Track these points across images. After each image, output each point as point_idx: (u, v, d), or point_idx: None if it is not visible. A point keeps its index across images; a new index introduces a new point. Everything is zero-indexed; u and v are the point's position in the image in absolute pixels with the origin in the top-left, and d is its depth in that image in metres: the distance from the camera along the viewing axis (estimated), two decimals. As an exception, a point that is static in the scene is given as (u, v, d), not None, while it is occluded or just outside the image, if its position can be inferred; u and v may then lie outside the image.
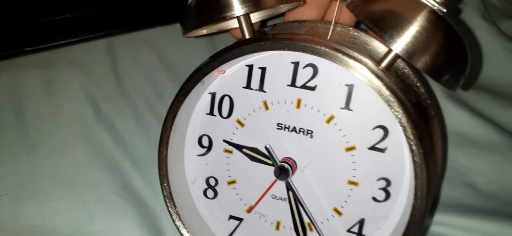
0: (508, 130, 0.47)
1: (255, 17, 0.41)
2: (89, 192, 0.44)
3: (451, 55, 0.30)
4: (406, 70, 0.36)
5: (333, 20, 0.34)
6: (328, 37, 0.34)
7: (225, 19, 0.34)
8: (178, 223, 0.38)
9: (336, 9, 0.35)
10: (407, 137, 0.30)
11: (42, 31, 0.52)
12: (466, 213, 0.41)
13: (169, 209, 0.38)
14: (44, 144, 0.47)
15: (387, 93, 0.30)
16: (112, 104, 0.49)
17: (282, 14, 0.41)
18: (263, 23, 0.42)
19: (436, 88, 0.48)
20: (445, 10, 0.30)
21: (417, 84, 0.36)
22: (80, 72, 0.51)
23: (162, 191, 0.38)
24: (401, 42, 0.29)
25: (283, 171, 0.36)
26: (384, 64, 0.31)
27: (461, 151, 0.45)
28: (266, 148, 0.37)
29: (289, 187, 0.37)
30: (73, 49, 0.53)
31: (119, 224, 0.42)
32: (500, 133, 0.46)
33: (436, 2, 0.30)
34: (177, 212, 0.38)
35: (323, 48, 0.31)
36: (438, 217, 0.41)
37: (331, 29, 0.34)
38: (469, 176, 0.44)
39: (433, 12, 0.30)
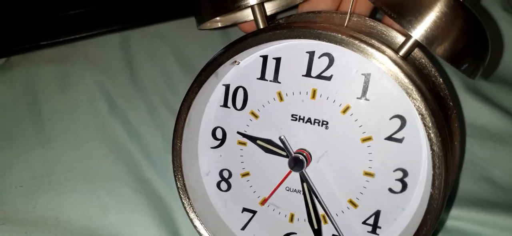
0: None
1: (269, 9, 0.41)
2: (103, 185, 0.44)
3: (471, 41, 0.30)
4: (423, 60, 0.35)
5: (350, 9, 0.33)
6: (345, 25, 0.33)
7: (240, 8, 0.33)
8: (192, 215, 0.38)
9: (352, -3, 0.34)
10: (425, 126, 0.30)
11: (56, 26, 0.52)
12: (485, 207, 0.40)
13: (183, 201, 0.38)
14: (58, 137, 0.47)
15: (405, 80, 0.29)
16: (126, 98, 0.49)
17: (296, 7, 0.41)
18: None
19: (455, 80, 0.47)
20: (464, -5, 0.29)
21: (435, 74, 0.35)
22: (95, 66, 0.51)
23: (176, 183, 0.38)
24: (421, 28, 0.29)
25: (298, 162, 0.35)
26: (402, 52, 0.30)
27: (479, 144, 0.44)
28: (281, 140, 0.36)
29: (303, 179, 0.36)
30: (88, 44, 0.53)
31: (133, 217, 0.42)
32: (521, 126, 0.45)
33: (456, -13, 0.29)
34: (190, 204, 0.38)
35: (340, 35, 0.30)
36: (455, 211, 0.40)
37: (347, 18, 0.33)
38: (488, 170, 0.43)
39: (452, -3, 0.29)
